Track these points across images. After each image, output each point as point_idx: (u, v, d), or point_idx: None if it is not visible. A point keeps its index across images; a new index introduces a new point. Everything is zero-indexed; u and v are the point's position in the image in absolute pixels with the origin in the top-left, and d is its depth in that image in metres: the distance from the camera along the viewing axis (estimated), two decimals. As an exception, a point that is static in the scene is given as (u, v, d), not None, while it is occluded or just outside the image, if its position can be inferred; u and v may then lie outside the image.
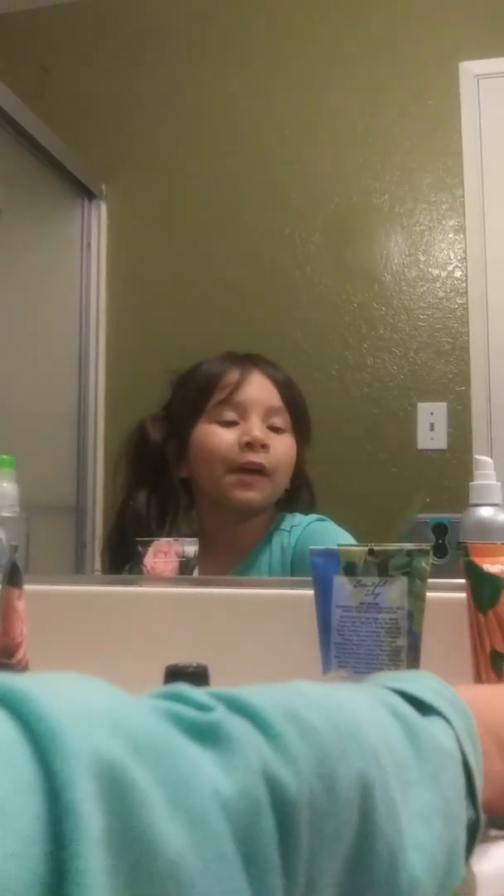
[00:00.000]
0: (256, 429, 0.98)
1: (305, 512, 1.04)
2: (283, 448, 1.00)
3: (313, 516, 1.04)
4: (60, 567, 1.43)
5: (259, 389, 1.01)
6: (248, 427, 0.98)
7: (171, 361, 1.60)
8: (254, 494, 0.98)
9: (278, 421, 1.01)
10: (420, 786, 0.32)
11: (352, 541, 0.95)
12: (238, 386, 1.00)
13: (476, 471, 0.82)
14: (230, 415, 0.99)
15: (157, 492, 1.04)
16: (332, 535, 1.00)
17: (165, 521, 1.04)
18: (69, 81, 1.69)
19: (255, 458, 0.97)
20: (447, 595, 0.67)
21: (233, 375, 1.01)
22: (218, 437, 0.99)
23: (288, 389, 1.03)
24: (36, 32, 1.71)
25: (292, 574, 0.99)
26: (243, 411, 0.99)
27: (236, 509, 0.99)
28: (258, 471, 0.97)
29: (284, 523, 1.03)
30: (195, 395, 1.02)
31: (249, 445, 0.97)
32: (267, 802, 0.26)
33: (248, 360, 1.03)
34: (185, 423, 1.02)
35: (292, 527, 1.02)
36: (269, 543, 1.02)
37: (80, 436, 1.61)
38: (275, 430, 1.00)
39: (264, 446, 0.98)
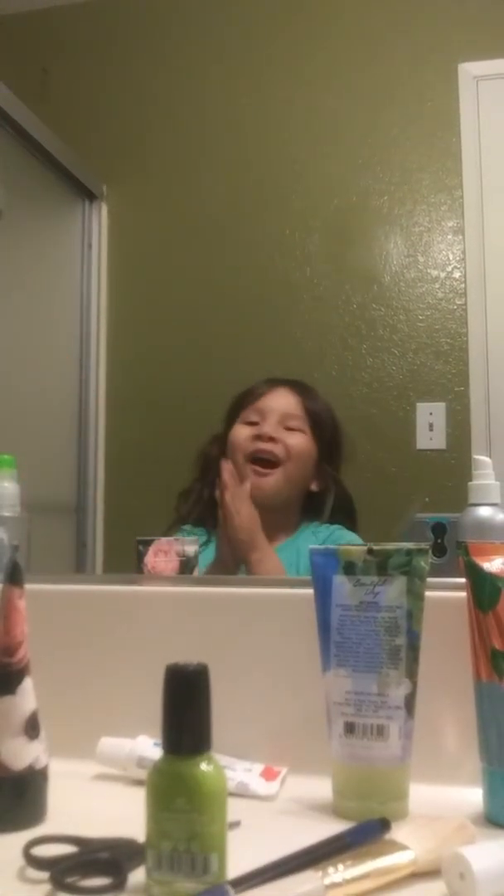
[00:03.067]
0: (268, 425, 1.15)
1: (343, 523, 1.15)
2: (293, 442, 1.15)
3: (337, 526, 1.14)
4: (61, 567, 1.43)
5: (279, 398, 1.18)
6: (262, 425, 1.15)
7: (171, 362, 1.61)
8: (265, 481, 1.12)
9: (294, 423, 1.17)
10: None
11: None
12: (263, 394, 1.18)
13: (475, 471, 0.83)
14: (253, 417, 1.17)
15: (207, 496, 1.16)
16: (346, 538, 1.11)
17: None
18: (70, 83, 1.70)
19: (264, 446, 1.13)
20: (446, 594, 0.67)
21: (261, 387, 1.19)
22: (239, 431, 1.16)
23: (310, 399, 1.19)
24: (37, 34, 1.72)
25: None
26: (263, 414, 1.17)
27: (253, 496, 1.09)
28: (269, 460, 1.13)
29: (312, 528, 1.14)
30: (233, 403, 1.21)
31: (259, 437, 1.14)
32: None
33: (281, 380, 1.22)
34: (226, 426, 1.20)
35: (317, 533, 1.13)
36: (295, 545, 1.10)
37: (80, 436, 1.61)
38: (289, 429, 1.16)
39: (272, 438, 1.14)
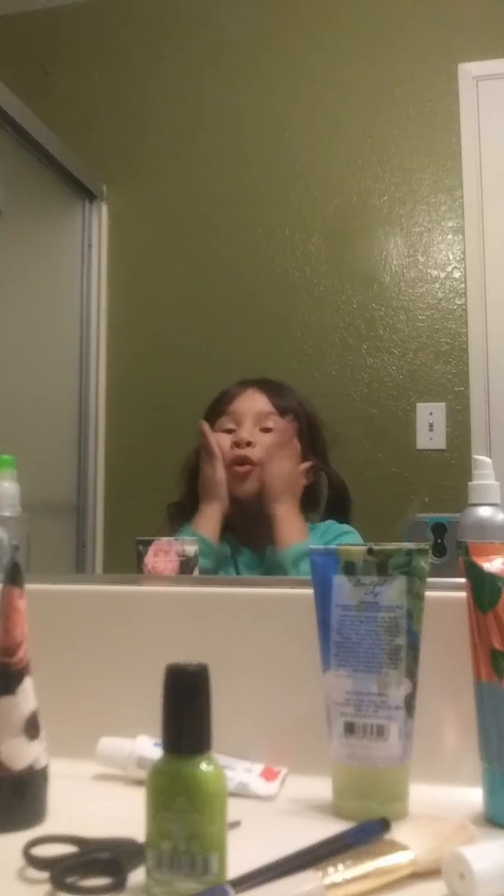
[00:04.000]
0: (243, 431, 1.15)
1: (338, 515, 1.16)
2: (270, 442, 1.14)
3: (330, 522, 1.14)
4: (61, 566, 1.43)
5: (250, 401, 1.18)
6: (239, 431, 1.16)
7: (171, 362, 1.61)
8: (246, 484, 1.13)
9: (270, 423, 1.16)
10: None
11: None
12: (233, 399, 1.19)
13: (475, 471, 0.83)
14: (229, 424, 1.17)
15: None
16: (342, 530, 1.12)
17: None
18: (70, 83, 1.70)
19: (241, 452, 1.14)
20: (446, 594, 0.67)
21: (231, 393, 1.19)
22: (219, 441, 1.15)
23: (280, 397, 1.18)
24: (37, 34, 1.72)
25: None
26: (237, 419, 1.17)
27: (236, 499, 1.12)
28: (246, 462, 1.13)
29: (316, 527, 1.13)
30: (207, 412, 1.20)
31: (237, 445, 1.14)
32: None
33: (249, 381, 1.21)
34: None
35: (316, 531, 1.13)
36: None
37: (80, 436, 1.61)
38: (265, 430, 1.16)
39: (249, 443, 1.14)
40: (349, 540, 1.11)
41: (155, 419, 1.55)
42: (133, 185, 1.68)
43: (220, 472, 1.13)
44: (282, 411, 1.17)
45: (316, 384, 1.47)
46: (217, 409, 1.19)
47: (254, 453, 1.14)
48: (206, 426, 1.15)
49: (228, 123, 1.63)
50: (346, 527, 1.14)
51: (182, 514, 1.16)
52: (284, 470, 1.13)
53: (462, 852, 0.47)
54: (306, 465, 1.15)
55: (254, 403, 1.18)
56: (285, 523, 1.09)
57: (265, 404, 1.18)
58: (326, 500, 1.18)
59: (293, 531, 1.09)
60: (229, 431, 1.16)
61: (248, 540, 1.14)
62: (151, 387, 1.59)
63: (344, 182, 1.57)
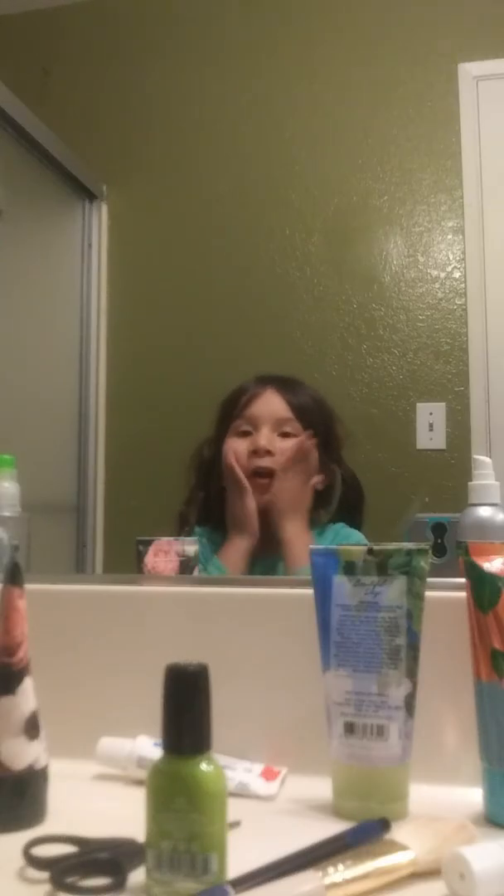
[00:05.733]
0: (262, 438, 1.12)
1: (351, 515, 1.14)
2: (288, 448, 1.11)
3: (340, 525, 1.13)
4: (61, 566, 1.43)
5: (267, 403, 1.14)
6: (257, 437, 1.12)
7: (171, 362, 1.61)
8: (267, 496, 1.10)
9: (289, 428, 1.13)
10: None
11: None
12: (250, 401, 1.15)
13: (475, 471, 0.83)
14: (245, 427, 1.14)
15: (210, 499, 1.15)
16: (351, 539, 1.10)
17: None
18: (70, 83, 1.70)
19: (261, 462, 1.10)
20: (446, 594, 0.67)
21: (247, 393, 1.15)
22: (234, 445, 1.13)
23: (297, 400, 1.15)
24: (37, 34, 1.72)
25: None
26: (255, 423, 1.13)
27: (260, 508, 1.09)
28: (267, 474, 1.10)
29: (317, 530, 1.12)
30: (220, 414, 1.17)
31: (255, 453, 1.11)
32: None
33: (266, 379, 1.17)
34: (217, 438, 1.16)
35: (326, 534, 1.11)
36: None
37: (80, 436, 1.61)
38: (285, 435, 1.13)
39: (269, 452, 1.11)
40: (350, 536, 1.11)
41: (155, 419, 1.55)
42: (133, 185, 1.68)
43: (250, 506, 1.09)
44: (300, 417, 1.14)
45: (316, 384, 1.46)
46: (233, 411, 1.16)
47: (273, 463, 1.11)
48: (232, 459, 1.10)
49: (228, 123, 1.63)
50: (354, 534, 1.12)
51: (190, 517, 1.14)
52: (295, 486, 1.10)
53: (462, 852, 0.47)
54: (317, 479, 1.12)
55: (272, 408, 1.14)
56: (295, 543, 1.07)
57: (284, 409, 1.14)
58: (340, 498, 1.16)
59: (303, 550, 1.06)
60: (245, 434, 1.13)
61: (261, 552, 1.11)
62: (151, 387, 1.59)
63: (344, 182, 1.57)
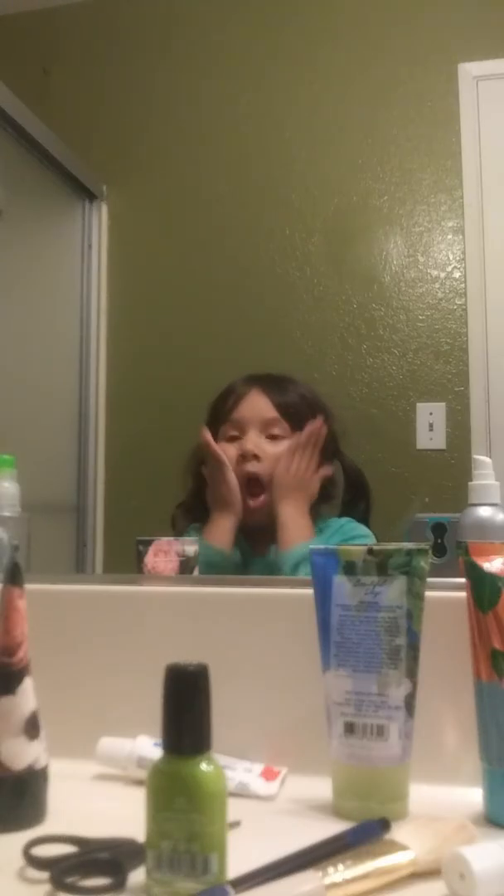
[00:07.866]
0: (248, 441, 1.09)
1: (358, 508, 1.12)
2: (279, 453, 1.08)
3: (347, 519, 1.10)
4: (61, 566, 1.43)
5: (253, 405, 1.11)
6: (244, 441, 1.09)
7: (171, 362, 1.61)
8: (256, 502, 1.07)
9: (277, 430, 1.10)
10: None
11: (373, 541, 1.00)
12: (235, 404, 1.11)
13: (475, 471, 0.83)
14: (233, 432, 1.10)
15: (205, 501, 1.12)
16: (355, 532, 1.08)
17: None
18: (71, 83, 1.70)
19: (250, 468, 1.08)
20: (446, 594, 0.67)
21: (232, 396, 1.12)
22: (224, 451, 1.08)
23: (284, 399, 1.11)
24: (37, 34, 1.72)
25: None
26: (241, 427, 1.10)
27: (249, 512, 1.07)
28: (255, 480, 1.07)
29: (322, 524, 1.09)
30: (208, 417, 1.14)
31: (243, 457, 1.08)
32: None
33: (253, 379, 1.14)
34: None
35: (329, 529, 1.09)
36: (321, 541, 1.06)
37: (80, 436, 1.61)
38: (273, 437, 1.09)
39: (255, 456, 1.08)
40: (353, 528, 1.09)
41: (155, 419, 1.55)
42: (133, 185, 1.68)
43: (231, 479, 1.06)
44: (287, 416, 1.10)
45: (316, 384, 1.46)
46: (219, 415, 1.12)
47: (261, 469, 1.07)
48: (207, 435, 1.08)
49: (228, 123, 1.63)
50: (361, 529, 1.09)
51: (188, 514, 1.13)
52: (294, 470, 1.07)
53: (462, 852, 0.47)
54: (326, 470, 1.09)
55: (258, 410, 1.11)
56: (290, 524, 1.05)
57: (269, 410, 1.10)
58: (343, 492, 1.13)
59: (297, 533, 1.04)
60: (233, 439, 1.10)
61: (262, 549, 1.09)
62: (151, 387, 1.59)
63: (344, 182, 1.57)
